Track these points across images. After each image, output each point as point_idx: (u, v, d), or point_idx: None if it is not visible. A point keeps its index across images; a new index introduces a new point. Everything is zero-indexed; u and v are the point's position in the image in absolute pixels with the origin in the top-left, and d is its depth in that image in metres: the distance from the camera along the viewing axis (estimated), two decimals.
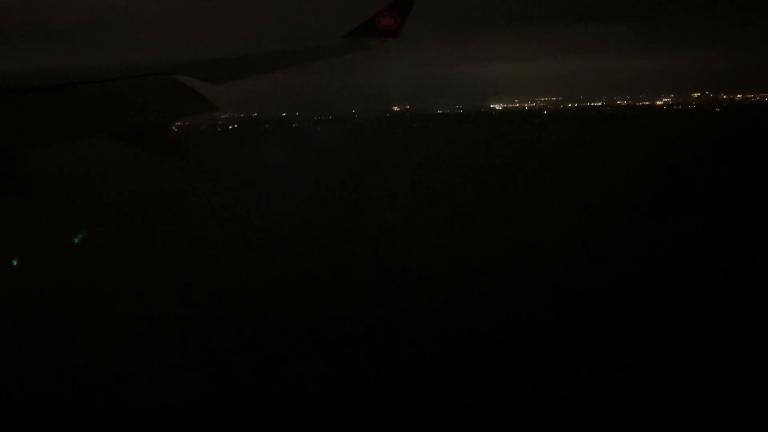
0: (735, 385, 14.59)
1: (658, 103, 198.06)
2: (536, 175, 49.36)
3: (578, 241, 27.65)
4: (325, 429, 13.78)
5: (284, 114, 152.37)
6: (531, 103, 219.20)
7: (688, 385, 14.82)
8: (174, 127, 6.49)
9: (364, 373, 15.79)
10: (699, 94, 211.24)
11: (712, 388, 14.52)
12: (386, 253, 26.61)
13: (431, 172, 51.26)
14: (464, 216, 34.42)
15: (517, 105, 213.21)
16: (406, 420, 13.84)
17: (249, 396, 14.81)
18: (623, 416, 13.66)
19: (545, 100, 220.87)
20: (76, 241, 26.57)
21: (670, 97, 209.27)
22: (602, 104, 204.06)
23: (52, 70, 6.31)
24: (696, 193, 39.00)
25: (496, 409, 14.10)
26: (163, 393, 14.74)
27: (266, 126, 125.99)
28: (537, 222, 31.53)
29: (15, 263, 21.88)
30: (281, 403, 14.51)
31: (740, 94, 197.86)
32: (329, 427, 13.78)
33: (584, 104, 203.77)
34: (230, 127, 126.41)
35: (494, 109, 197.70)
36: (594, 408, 13.89)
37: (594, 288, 21.52)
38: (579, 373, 15.55)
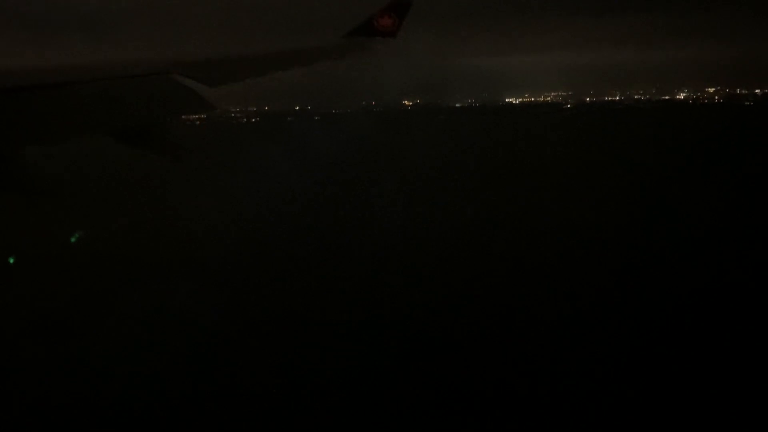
0: (735, 384, 14.40)
1: (678, 97, 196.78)
2: (552, 171, 48.84)
3: (597, 238, 27.45)
4: (325, 429, 13.69)
5: (297, 108, 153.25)
6: (546, 97, 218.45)
7: (689, 384, 14.64)
8: (174, 124, 6.48)
9: (363, 372, 15.69)
10: (715, 88, 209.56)
11: (712, 387, 14.33)
12: (396, 248, 26.54)
13: (444, 167, 50.95)
14: (479, 212, 34.19)
15: (532, 99, 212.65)
16: (406, 420, 13.75)
17: (249, 396, 14.73)
18: (623, 416, 13.53)
19: (558, 95, 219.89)
20: (73, 240, 26.75)
21: (684, 92, 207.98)
22: (618, 98, 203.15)
23: (51, 69, 6.34)
24: (716, 188, 38.34)
25: (496, 409, 13.98)
26: (163, 393, 14.72)
27: (276, 119, 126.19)
28: (553, 219, 31.26)
29: (11, 260, 22.03)
30: (281, 403, 14.45)
31: (758, 88, 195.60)
32: (329, 427, 13.69)
33: (601, 98, 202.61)
34: (246, 120, 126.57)
35: (509, 103, 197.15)
36: (594, 408, 13.75)
37: (611, 283, 21.46)
38: (583, 372, 15.36)
